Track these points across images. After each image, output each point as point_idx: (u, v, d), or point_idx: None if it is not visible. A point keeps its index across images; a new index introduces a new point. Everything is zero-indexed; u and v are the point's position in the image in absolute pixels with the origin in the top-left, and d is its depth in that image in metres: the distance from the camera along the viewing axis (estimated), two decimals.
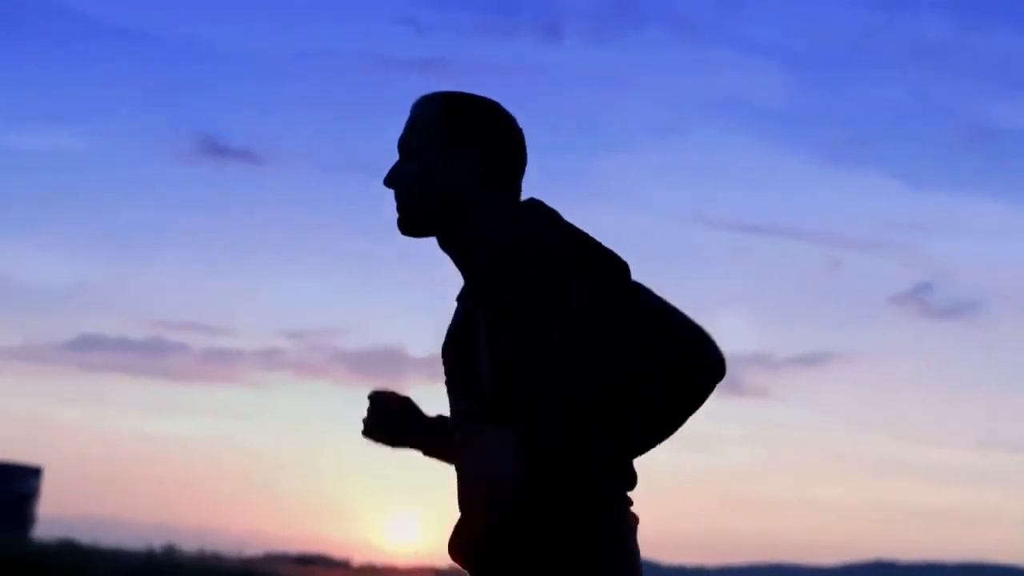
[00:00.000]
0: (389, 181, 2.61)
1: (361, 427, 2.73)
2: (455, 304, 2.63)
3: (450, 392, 2.59)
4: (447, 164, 2.55)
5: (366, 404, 2.73)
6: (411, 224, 2.60)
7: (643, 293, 2.47)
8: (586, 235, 2.47)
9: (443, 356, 2.59)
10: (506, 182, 2.58)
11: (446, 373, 2.59)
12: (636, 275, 2.48)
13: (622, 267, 2.46)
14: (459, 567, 2.54)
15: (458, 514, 2.55)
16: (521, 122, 2.64)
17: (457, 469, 2.56)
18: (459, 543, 2.52)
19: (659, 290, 2.45)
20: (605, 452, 2.41)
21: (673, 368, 2.41)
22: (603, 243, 2.47)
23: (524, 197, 2.62)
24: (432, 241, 2.63)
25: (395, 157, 2.62)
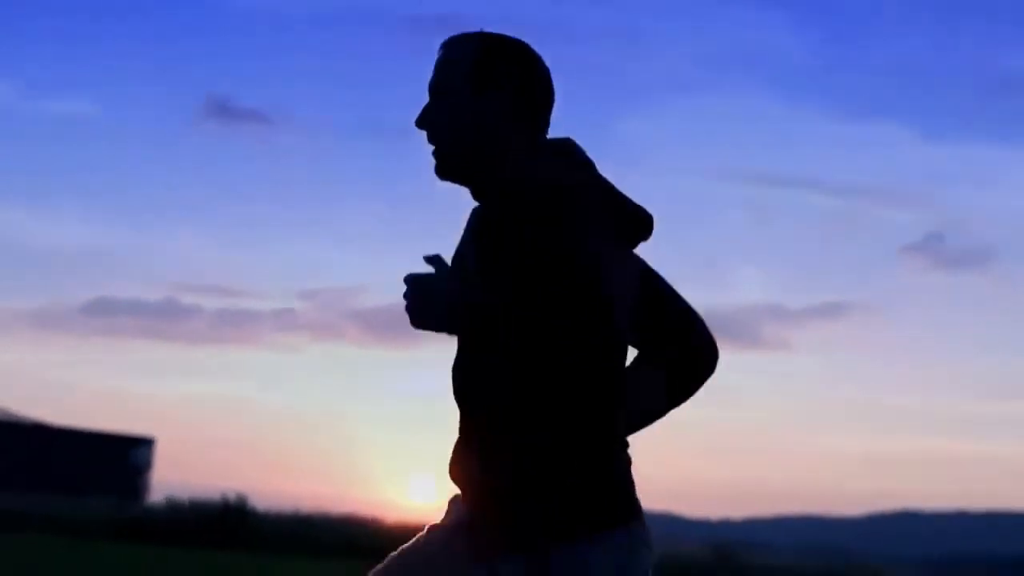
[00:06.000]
0: (421, 122, 2.45)
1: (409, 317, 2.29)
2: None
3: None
4: (479, 105, 2.40)
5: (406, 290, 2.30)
6: (447, 166, 2.43)
7: (653, 276, 2.44)
8: (612, 186, 2.37)
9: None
10: (536, 121, 2.43)
11: None
12: (656, 230, 2.37)
13: (645, 222, 2.38)
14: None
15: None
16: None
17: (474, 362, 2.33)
18: (460, 468, 2.41)
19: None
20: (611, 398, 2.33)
21: (675, 359, 2.44)
22: (625, 196, 2.37)
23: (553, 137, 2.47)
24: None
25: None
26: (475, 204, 2.47)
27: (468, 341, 2.34)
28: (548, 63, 2.44)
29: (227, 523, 21.52)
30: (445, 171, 2.44)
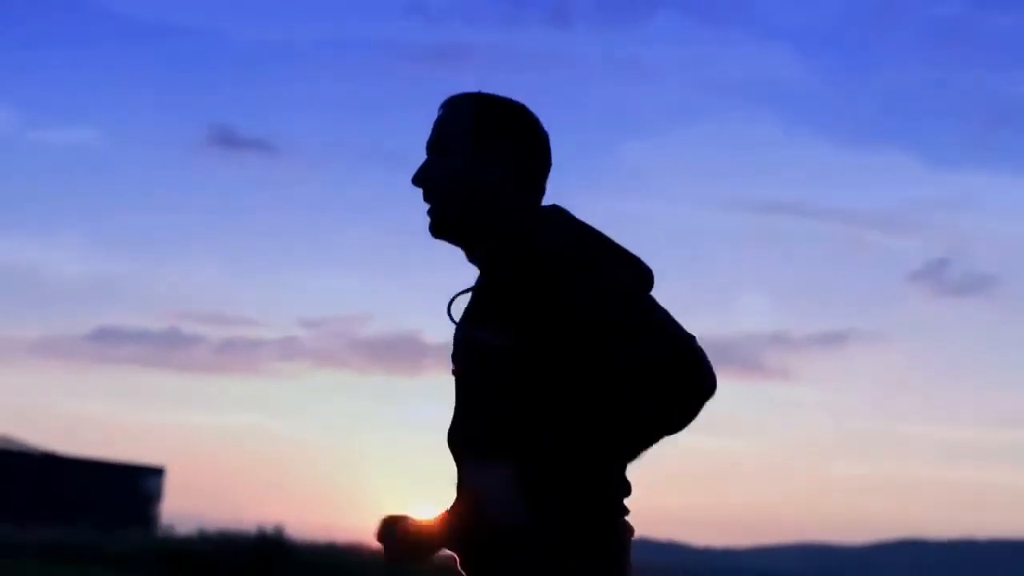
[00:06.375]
0: (417, 180, 2.41)
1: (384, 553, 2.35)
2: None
3: (457, 398, 2.38)
4: (476, 165, 2.36)
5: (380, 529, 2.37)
6: (443, 225, 2.39)
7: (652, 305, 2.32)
8: (609, 239, 2.31)
9: (453, 360, 2.39)
10: (533, 183, 2.39)
11: (456, 377, 2.39)
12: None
13: (645, 273, 2.30)
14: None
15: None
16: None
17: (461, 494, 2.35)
18: (455, 530, 2.32)
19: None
20: (609, 462, 2.25)
21: (666, 387, 2.20)
22: (627, 249, 2.32)
23: (547, 196, 2.43)
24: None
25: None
26: (468, 263, 2.42)
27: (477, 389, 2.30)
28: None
29: (263, 555, 21.28)
30: (440, 229, 2.40)
